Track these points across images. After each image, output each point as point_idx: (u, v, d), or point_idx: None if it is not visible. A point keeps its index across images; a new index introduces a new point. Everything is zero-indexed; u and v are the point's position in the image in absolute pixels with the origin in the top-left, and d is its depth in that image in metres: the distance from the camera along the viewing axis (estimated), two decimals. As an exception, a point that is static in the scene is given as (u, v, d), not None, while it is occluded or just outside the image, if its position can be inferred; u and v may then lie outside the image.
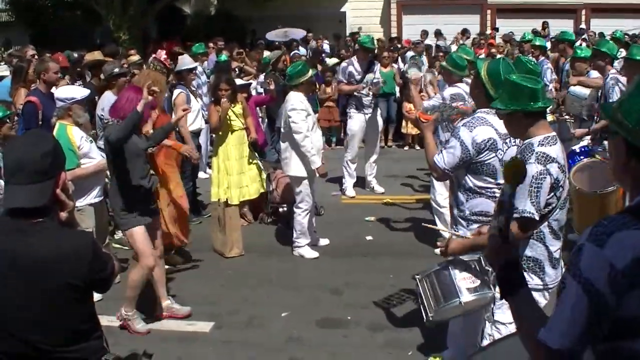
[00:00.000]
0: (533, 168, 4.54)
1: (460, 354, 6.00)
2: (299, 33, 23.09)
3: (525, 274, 4.63)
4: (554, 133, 4.76)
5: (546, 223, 4.69)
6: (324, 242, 10.01)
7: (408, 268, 8.57)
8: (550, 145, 4.63)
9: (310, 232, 9.69)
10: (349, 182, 12.67)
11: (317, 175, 9.42)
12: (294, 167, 9.37)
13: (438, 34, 24.21)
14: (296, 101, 9.26)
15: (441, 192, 9.45)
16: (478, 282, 5.02)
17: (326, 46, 23.60)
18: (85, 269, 3.36)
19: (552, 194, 4.62)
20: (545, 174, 4.55)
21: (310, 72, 9.63)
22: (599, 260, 2.41)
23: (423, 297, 5.19)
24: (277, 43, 19.88)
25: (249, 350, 6.94)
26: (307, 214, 9.55)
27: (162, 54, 10.02)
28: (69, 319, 3.40)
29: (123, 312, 7.21)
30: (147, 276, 7.23)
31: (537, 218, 4.57)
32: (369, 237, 10.38)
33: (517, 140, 5.19)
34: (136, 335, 7.10)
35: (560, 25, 23.53)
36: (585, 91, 9.98)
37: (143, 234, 7.11)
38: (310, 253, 9.55)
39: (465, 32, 24.49)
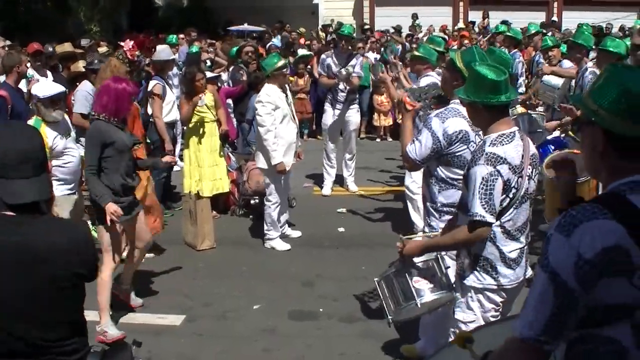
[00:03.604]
0: (483, 170, 4.42)
1: (432, 344, 6.01)
2: (256, 29, 23.19)
3: (477, 272, 4.65)
4: (512, 130, 4.59)
5: (498, 223, 4.55)
6: (295, 234, 9.99)
7: (380, 259, 8.56)
8: (503, 145, 4.47)
9: (280, 225, 9.68)
10: (327, 181, 12.47)
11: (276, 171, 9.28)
12: (263, 159, 9.31)
13: (398, 30, 24.16)
14: (263, 94, 9.20)
15: (415, 180, 9.40)
16: (435, 282, 5.01)
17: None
18: (90, 257, 3.35)
19: (504, 195, 4.49)
20: (497, 175, 4.40)
21: (281, 62, 9.45)
22: (566, 250, 2.42)
23: (382, 299, 5.17)
24: (253, 34, 19.88)
25: (221, 343, 6.92)
26: (277, 206, 9.51)
27: (129, 44, 9.94)
28: (71, 311, 3.36)
29: (97, 328, 6.84)
30: (112, 274, 7.08)
31: (490, 221, 4.44)
32: (340, 229, 10.39)
33: None
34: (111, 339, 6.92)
35: (531, 17, 23.61)
36: (558, 81, 10.02)
37: (116, 232, 7.03)
38: (281, 245, 9.53)
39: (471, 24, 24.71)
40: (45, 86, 7.60)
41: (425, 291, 5.00)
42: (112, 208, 6.73)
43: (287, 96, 9.48)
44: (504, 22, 19.58)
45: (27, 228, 3.15)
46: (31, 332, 3.19)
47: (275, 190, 9.45)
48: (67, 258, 3.24)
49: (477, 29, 24.42)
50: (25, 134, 3.33)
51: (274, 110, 9.11)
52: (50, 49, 13.13)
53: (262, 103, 9.11)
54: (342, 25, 16.48)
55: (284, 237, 9.70)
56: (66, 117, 7.83)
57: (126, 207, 7.03)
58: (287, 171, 9.43)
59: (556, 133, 9.28)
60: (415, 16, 25.77)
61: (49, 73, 11.63)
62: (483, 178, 4.41)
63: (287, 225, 9.93)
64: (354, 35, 13.11)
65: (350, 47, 12.75)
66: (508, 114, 4.76)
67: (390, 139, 17.21)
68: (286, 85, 9.77)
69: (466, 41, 19.19)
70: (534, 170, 4.70)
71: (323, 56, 12.76)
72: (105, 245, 7.00)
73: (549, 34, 16.38)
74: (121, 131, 6.99)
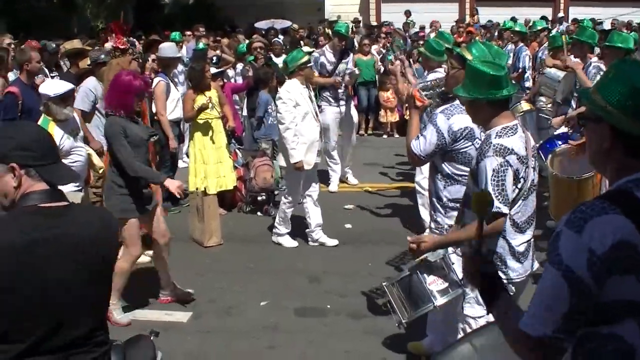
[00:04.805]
0: (493, 161, 4.45)
1: (439, 341, 6.00)
2: (284, 23, 23.37)
3: None
4: (514, 122, 4.64)
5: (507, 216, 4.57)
6: (331, 242, 9.59)
7: (387, 256, 8.61)
8: (508, 136, 4.51)
9: (312, 230, 9.53)
10: (333, 177, 12.40)
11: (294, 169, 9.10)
12: (283, 157, 9.23)
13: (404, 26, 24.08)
14: (284, 90, 9.08)
15: (426, 176, 9.34)
16: (447, 282, 5.02)
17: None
18: (117, 241, 3.51)
19: (514, 186, 4.51)
20: (507, 166, 4.43)
21: (305, 58, 9.26)
22: (578, 246, 2.40)
23: (393, 303, 5.17)
24: (262, 32, 19.96)
25: (227, 339, 6.92)
26: (292, 206, 9.40)
27: (113, 39, 10.00)
28: (105, 300, 3.42)
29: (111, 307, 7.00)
30: (133, 265, 7.19)
31: (505, 211, 4.46)
32: (347, 225, 10.38)
33: None
34: (115, 326, 6.94)
35: (538, 13, 23.62)
36: (560, 73, 9.99)
37: (136, 225, 7.05)
38: (289, 242, 9.50)
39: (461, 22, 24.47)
40: (54, 85, 7.63)
41: (439, 292, 5.02)
42: (174, 184, 7.05)
43: (310, 93, 9.30)
44: (512, 19, 19.61)
45: (67, 219, 3.18)
46: (85, 323, 3.21)
47: (292, 189, 9.34)
48: (108, 244, 3.32)
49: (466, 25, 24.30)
50: (33, 127, 3.44)
51: (295, 108, 8.94)
52: (54, 46, 13.15)
53: (282, 100, 8.96)
54: (335, 21, 16.49)
55: (320, 244, 9.52)
56: (75, 115, 7.85)
57: (147, 200, 7.10)
58: (309, 170, 9.22)
59: (563, 129, 9.26)
60: (408, 13, 25.71)
61: (46, 70, 11.64)
62: (494, 170, 4.43)
63: (320, 230, 9.60)
64: (349, 35, 13.03)
65: (344, 44, 12.57)
66: (508, 107, 4.78)
67: (397, 135, 17.17)
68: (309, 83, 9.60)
69: (477, 37, 19.10)
70: (536, 161, 4.73)
71: (315, 54, 12.58)
72: (127, 238, 7.03)
73: (555, 29, 16.38)
74: (136, 125, 6.99)
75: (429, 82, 7.67)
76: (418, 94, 5.95)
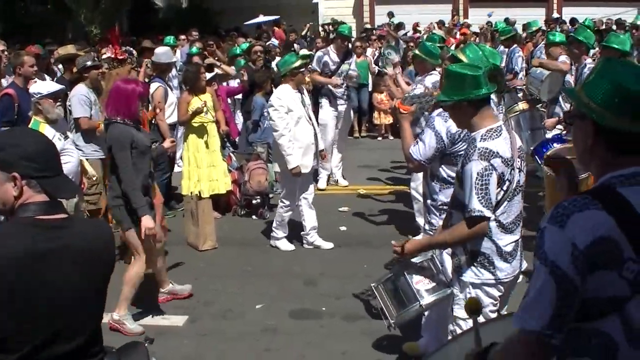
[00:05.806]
0: (477, 165, 4.47)
1: (434, 341, 6.01)
2: (270, 19, 23.42)
3: (475, 268, 4.67)
4: (498, 124, 4.68)
5: (492, 217, 4.58)
6: (327, 245, 9.57)
7: (382, 258, 8.60)
8: (493, 139, 4.54)
9: (307, 232, 9.54)
10: (322, 174, 12.45)
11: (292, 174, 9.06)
12: (278, 162, 9.20)
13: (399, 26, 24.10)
14: (275, 97, 9.07)
15: (422, 181, 9.36)
16: (434, 282, 5.05)
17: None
18: (114, 255, 3.48)
19: (499, 188, 4.54)
20: (491, 170, 4.46)
21: (298, 62, 9.18)
22: (561, 241, 2.43)
23: (382, 304, 5.23)
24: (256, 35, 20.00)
25: (223, 343, 6.93)
26: (290, 210, 9.39)
27: (110, 50, 10.00)
28: (102, 313, 3.40)
29: (114, 316, 7.00)
30: (142, 273, 7.19)
31: (488, 215, 4.49)
32: (342, 228, 10.39)
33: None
34: (129, 336, 6.86)
35: (532, 14, 23.63)
36: (544, 72, 10.05)
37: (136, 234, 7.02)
38: (286, 245, 9.50)
39: (441, 24, 24.42)
40: (45, 84, 7.71)
41: (426, 292, 5.05)
42: (149, 223, 6.74)
43: (302, 97, 9.25)
44: (506, 20, 19.63)
45: (64, 231, 3.16)
46: (82, 333, 3.19)
47: (290, 193, 9.31)
48: (106, 257, 3.32)
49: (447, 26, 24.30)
50: (38, 136, 3.39)
51: (287, 114, 8.91)
52: (42, 52, 13.14)
53: (273, 107, 8.93)
54: (339, 22, 16.56)
55: (315, 247, 9.54)
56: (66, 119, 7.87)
57: (149, 207, 7.05)
58: (305, 174, 9.21)
59: (556, 130, 9.28)
60: (391, 14, 25.68)
61: (47, 77, 11.64)
62: (478, 173, 4.46)
63: (316, 233, 9.59)
64: (351, 34, 13.19)
65: (348, 45, 12.74)
66: (491, 106, 4.82)
67: (391, 137, 17.14)
68: (303, 86, 9.61)
69: (473, 38, 19.12)
70: (522, 162, 4.75)
71: (319, 53, 12.76)
72: (136, 247, 7.02)
73: (560, 30, 16.39)
74: (139, 132, 6.98)
75: (418, 94, 7.72)
76: (401, 104, 6.01)
